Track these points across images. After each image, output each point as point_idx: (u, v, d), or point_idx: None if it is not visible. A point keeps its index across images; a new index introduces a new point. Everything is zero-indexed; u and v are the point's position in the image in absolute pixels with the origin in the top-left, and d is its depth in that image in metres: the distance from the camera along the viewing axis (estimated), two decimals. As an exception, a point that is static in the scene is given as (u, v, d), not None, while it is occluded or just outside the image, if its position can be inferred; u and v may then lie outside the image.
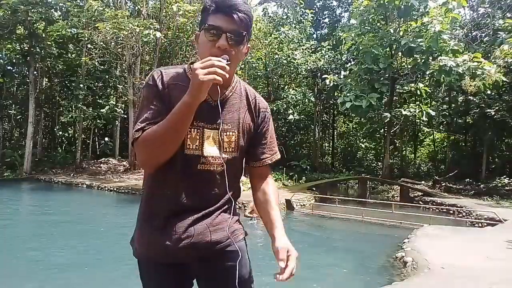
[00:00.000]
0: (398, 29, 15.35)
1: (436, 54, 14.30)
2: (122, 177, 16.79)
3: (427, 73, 14.73)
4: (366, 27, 15.89)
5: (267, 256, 5.57)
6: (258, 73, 21.78)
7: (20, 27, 18.57)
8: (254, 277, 1.36)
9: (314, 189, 15.33)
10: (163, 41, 17.66)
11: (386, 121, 15.99)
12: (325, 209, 11.04)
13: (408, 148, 26.05)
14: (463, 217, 10.04)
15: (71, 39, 19.72)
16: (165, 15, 17.08)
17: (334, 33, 22.58)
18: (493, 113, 15.69)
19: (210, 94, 1.21)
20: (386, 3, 14.74)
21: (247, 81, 19.15)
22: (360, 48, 15.53)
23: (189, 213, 1.22)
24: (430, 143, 25.33)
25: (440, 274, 4.24)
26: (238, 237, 1.33)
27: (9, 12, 16.66)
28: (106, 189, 14.39)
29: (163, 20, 17.05)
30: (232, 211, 1.33)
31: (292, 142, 26.87)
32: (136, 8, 19.27)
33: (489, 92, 14.99)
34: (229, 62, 1.09)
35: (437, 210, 11.30)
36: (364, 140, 27.31)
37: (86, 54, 18.60)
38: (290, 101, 19.55)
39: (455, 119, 19.86)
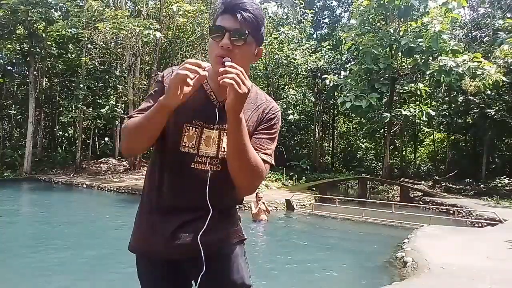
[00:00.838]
0: (398, 29, 15.37)
1: (436, 54, 14.32)
2: (122, 177, 16.77)
3: (427, 73, 14.73)
4: (366, 27, 15.90)
5: (268, 261, 5.62)
6: (258, 73, 21.77)
7: (20, 27, 18.53)
8: (252, 281, 1.31)
9: (314, 189, 15.33)
10: (163, 41, 17.66)
11: (386, 121, 15.99)
12: (325, 209, 11.03)
13: (408, 148, 26.05)
14: (463, 217, 10.04)
15: (71, 39, 19.71)
16: (165, 15, 17.05)
17: (334, 33, 22.56)
18: (493, 113, 15.70)
19: (216, 94, 1.21)
20: (386, 3, 14.75)
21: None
22: (360, 48, 15.54)
23: (182, 211, 1.21)
24: (430, 143, 25.32)
25: (440, 274, 4.23)
26: (232, 241, 1.30)
27: (9, 12, 16.63)
28: (106, 189, 14.37)
29: (163, 20, 17.03)
30: (228, 213, 1.31)
31: (292, 142, 26.86)
32: (136, 8, 19.24)
33: (489, 92, 15.02)
34: (231, 64, 1.04)
35: (437, 210, 11.31)
36: (364, 140, 27.31)
37: (86, 54, 18.58)
38: (290, 101, 19.57)
39: (455, 119, 19.89)
